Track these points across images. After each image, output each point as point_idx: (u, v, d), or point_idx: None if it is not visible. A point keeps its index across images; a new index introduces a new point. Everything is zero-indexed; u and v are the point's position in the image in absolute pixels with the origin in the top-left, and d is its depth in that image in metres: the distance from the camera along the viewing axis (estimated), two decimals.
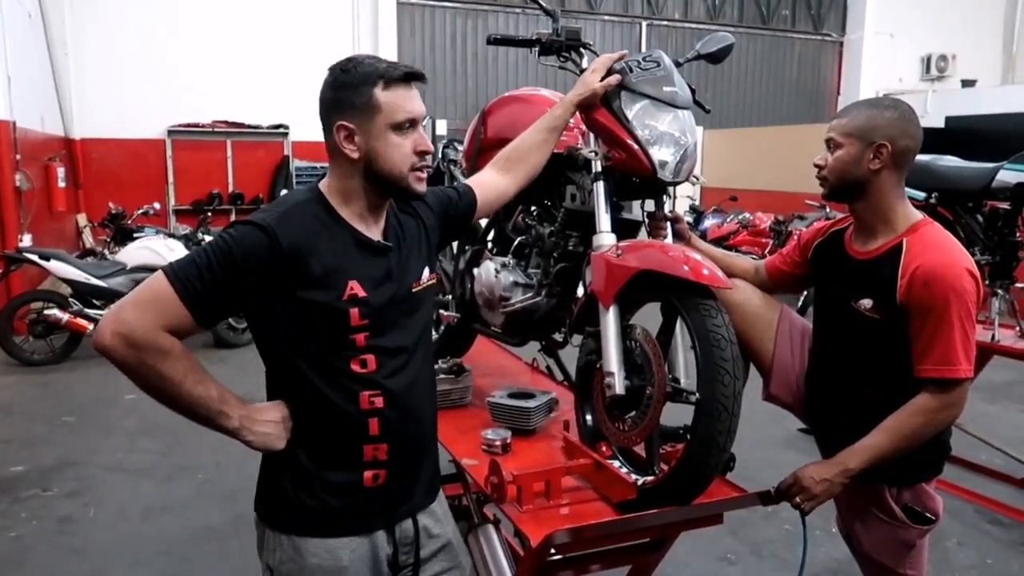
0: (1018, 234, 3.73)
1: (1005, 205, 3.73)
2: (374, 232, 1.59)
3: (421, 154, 1.54)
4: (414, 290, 1.62)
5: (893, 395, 1.83)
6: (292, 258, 1.44)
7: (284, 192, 9.70)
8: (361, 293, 1.50)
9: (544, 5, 2.22)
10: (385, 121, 1.49)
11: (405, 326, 1.60)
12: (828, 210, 7.66)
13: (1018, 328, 3.90)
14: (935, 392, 1.79)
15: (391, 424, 1.56)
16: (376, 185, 1.54)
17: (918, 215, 1.91)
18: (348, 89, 1.49)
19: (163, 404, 1.46)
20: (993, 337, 3.68)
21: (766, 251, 8.10)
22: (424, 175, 1.57)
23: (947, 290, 1.74)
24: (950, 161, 3.85)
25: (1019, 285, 3.85)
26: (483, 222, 2.70)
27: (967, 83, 12.36)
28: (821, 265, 2.09)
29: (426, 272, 1.68)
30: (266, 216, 1.47)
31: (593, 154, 2.01)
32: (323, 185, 1.58)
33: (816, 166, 1.96)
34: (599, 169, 2.01)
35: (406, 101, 1.51)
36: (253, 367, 1.49)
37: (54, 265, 6.22)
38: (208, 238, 6.88)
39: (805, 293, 7.08)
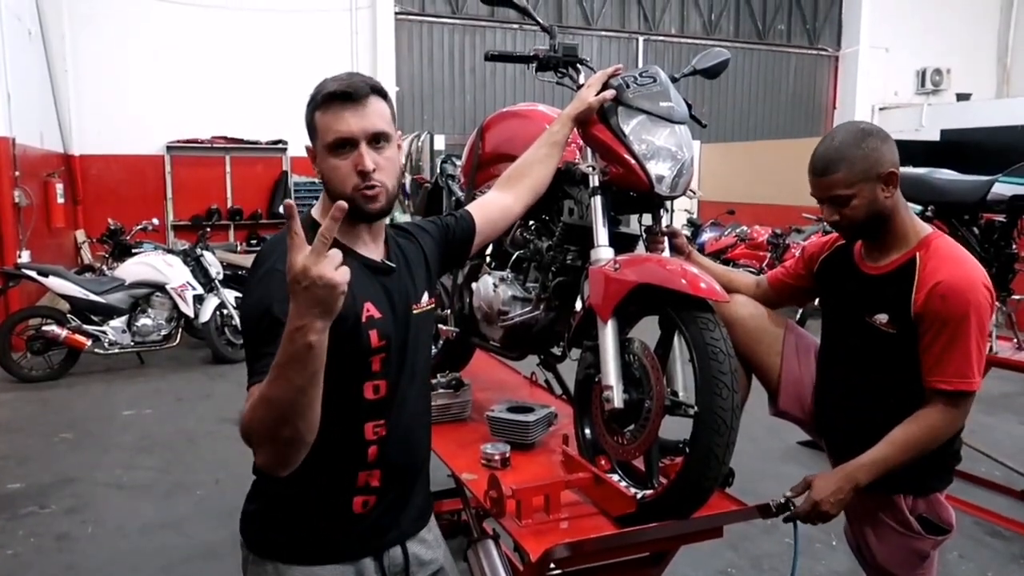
0: (1014, 246, 3.74)
1: (1000, 218, 3.75)
2: (373, 252, 1.57)
3: (362, 173, 1.45)
4: (415, 312, 1.60)
5: (908, 406, 1.84)
6: None
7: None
8: (377, 314, 1.48)
9: (541, 21, 2.24)
10: (322, 143, 1.48)
11: (409, 350, 1.57)
12: (825, 223, 7.68)
13: (1015, 340, 3.91)
14: (946, 404, 1.80)
15: (388, 452, 1.54)
16: None
17: (927, 228, 1.92)
18: (306, 111, 1.51)
19: (304, 410, 1.26)
20: (991, 349, 3.68)
21: (764, 264, 8.11)
22: (372, 193, 1.47)
23: (965, 304, 1.75)
24: (945, 174, 3.87)
25: (1016, 297, 3.86)
26: None
27: (962, 96, 12.43)
28: (829, 279, 2.09)
29: (425, 296, 1.66)
30: (269, 265, 1.42)
31: (591, 169, 2.03)
32: (315, 211, 1.58)
33: (832, 223, 1.92)
34: (597, 184, 2.02)
35: (337, 121, 1.45)
36: None
37: (52, 281, 6.23)
38: (207, 254, 6.92)
39: (802, 308, 7.11)
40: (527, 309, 2.35)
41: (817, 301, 2.25)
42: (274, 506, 1.55)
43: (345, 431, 1.49)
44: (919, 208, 3.75)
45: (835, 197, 1.85)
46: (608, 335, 1.85)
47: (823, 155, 1.87)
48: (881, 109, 13.17)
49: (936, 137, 10.53)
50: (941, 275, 1.78)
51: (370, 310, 1.48)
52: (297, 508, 1.52)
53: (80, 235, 9.04)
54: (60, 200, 8.09)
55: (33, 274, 6.22)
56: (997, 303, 3.73)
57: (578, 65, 2.19)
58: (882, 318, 1.88)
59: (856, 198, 1.83)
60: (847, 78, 13.62)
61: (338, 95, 1.45)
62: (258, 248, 9.44)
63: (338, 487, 1.53)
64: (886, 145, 1.85)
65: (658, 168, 1.94)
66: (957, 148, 9.10)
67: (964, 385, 1.78)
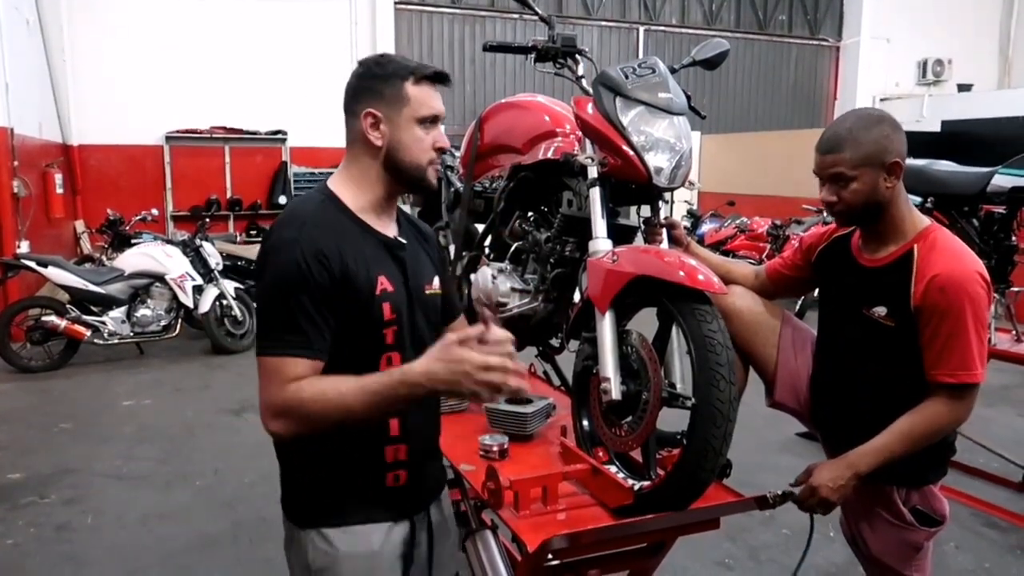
0: (1014, 238, 3.74)
1: (1000, 209, 3.75)
2: (388, 229, 1.63)
3: (439, 150, 1.60)
4: (427, 292, 1.66)
5: (906, 399, 1.84)
6: (330, 263, 1.47)
7: (290, 200, 9.74)
8: (390, 287, 1.54)
9: (539, 12, 2.23)
10: (412, 114, 1.55)
11: (421, 326, 1.63)
12: (825, 215, 7.67)
13: (1014, 332, 3.92)
14: (948, 396, 1.80)
15: (410, 424, 1.60)
16: (394, 175, 1.58)
17: (925, 220, 1.91)
18: (380, 80, 1.55)
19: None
20: (990, 340, 3.68)
21: (763, 255, 8.10)
22: (438, 171, 1.63)
23: (963, 296, 1.75)
24: (946, 165, 3.87)
25: (1015, 289, 3.86)
26: (479, 227, 2.71)
27: (963, 87, 12.39)
28: (827, 271, 2.09)
29: (436, 280, 1.71)
30: (292, 234, 1.48)
31: (589, 160, 2.02)
32: (333, 181, 1.61)
33: (827, 203, 1.91)
34: (595, 175, 2.01)
35: (432, 98, 1.57)
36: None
37: (52, 271, 6.22)
38: (206, 244, 6.92)
39: (803, 298, 7.11)
40: (525, 300, 2.35)
41: (816, 292, 2.25)
42: (310, 486, 1.59)
43: None
44: (919, 200, 3.75)
45: (837, 175, 1.84)
46: (606, 327, 1.85)
47: (833, 133, 1.86)
48: (882, 100, 13.13)
49: (937, 128, 10.51)
50: (938, 267, 1.78)
51: (384, 283, 1.54)
52: (334, 486, 1.57)
53: (79, 225, 9.04)
54: (59, 190, 8.08)
55: (32, 264, 6.21)
56: (996, 295, 3.73)
57: (576, 56, 2.18)
58: (880, 311, 1.88)
59: (857, 181, 1.83)
60: (848, 69, 13.57)
61: (440, 77, 1.59)
62: (258, 239, 9.50)
63: (369, 463, 1.58)
64: (896, 135, 1.84)
65: (657, 159, 1.93)
66: (957, 139, 9.10)
67: (967, 377, 1.78)
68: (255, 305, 1.52)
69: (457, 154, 2.95)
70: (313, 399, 1.40)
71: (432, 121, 1.57)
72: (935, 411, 1.81)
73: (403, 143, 1.55)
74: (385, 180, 1.59)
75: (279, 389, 1.42)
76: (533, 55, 2.16)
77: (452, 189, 2.89)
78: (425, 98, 1.56)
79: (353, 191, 1.58)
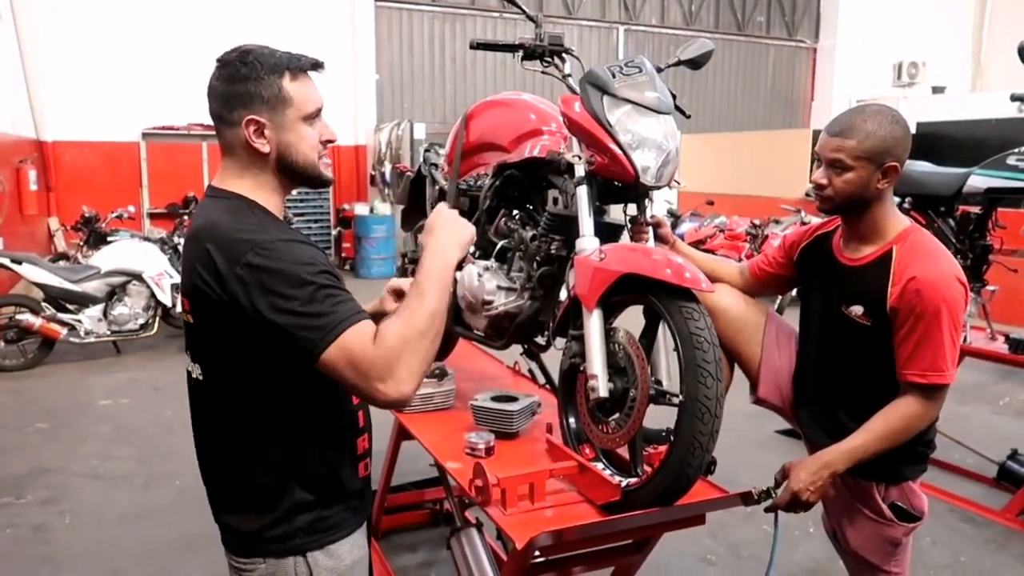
0: (988, 238, 3.81)
1: (976, 209, 3.82)
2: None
3: (326, 143, 1.56)
4: None
5: (882, 397, 1.87)
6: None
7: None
8: None
9: (526, 10, 2.24)
10: (297, 113, 1.48)
11: None
12: (803, 214, 7.77)
13: (989, 330, 3.98)
14: (920, 396, 1.83)
15: (368, 414, 1.65)
16: (289, 177, 1.54)
17: (905, 221, 1.94)
18: (253, 82, 1.48)
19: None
20: (965, 339, 3.75)
21: (743, 254, 8.17)
22: (329, 161, 1.60)
23: (938, 299, 1.78)
24: (922, 166, 3.93)
25: (990, 288, 3.93)
26: None
27: (937, 90, 12.58)
28: (808, 268, 2.12)
29: None
30: (279, 233, 1.42)
31: (576, 158, 2.03)
32: (242, 192, 1.51)
33: (817, 184, 1.93)
34: (582, 173, 2.02)
35: (313, 91, 1.51)
36: None
37: (26, 269, 6.12)
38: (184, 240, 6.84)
39: (780, 296, 7.18)
40: (511, 299, 2.35)
41: (795, 291, 2.28)
42: (308, 495, 1.52)
43: (342, 400, 1.57)
44: (897, 200, 3.80)
45: (836, 161, 1.87)
46: (593, 324, 1.86)
47: (847, 119, 1.89)
48: (858, 102, 13.27)
49: (912, 129, 10.66)
50: (916, 270, 1.81)
51: None
52: (329, 488, 1.54)
53: (54, 222, 8.91)
54: (33, 187, 7.97)
55: (6, 262, 6.11)
56: (972, 294, 3.80)
57: (564, 55, 2.19)
58: (857, 310, 1.91)
59: (853, 172, 1.85)
60: (825, 70, 13.75)
61: (315, 66, 1.52)
62: None
63: (350, 457, 1.60)
64: (904, 141, 1.87)
65: (643, 158, 1.94)
66: (932, 140, 9.23)
67: (938, 378, 1.81)
68: (280, 317, 1.32)
69: (442, 152, 2.95)
70: (406, 323, 1.35)
71: (317, 115, 1.52)
72: (908, 409, 1.84)
73: (293, 145, 1.49)
74: (282, 182, 1.54)
75: (373, 352, 1.32)
76: (520, 53, 2.16)
77: (437, 187, 2.89)
78: (307, 93, 1.49)
79: (264, 199, 1.51)
